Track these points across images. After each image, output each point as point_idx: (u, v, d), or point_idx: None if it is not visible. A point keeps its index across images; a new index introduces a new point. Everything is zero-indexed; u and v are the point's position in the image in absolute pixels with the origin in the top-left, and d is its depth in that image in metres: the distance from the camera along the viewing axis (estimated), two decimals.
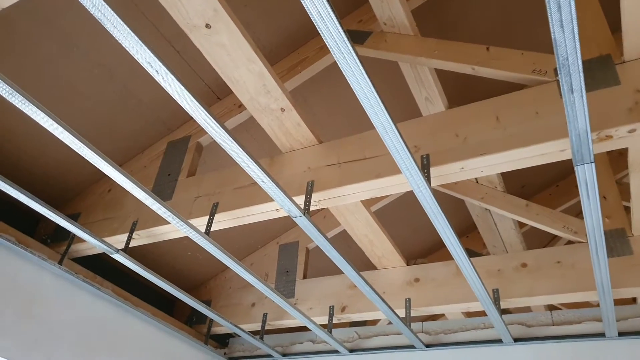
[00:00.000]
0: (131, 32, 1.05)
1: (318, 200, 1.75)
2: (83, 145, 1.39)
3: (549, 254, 2.25)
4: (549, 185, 3.55)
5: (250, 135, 2.47)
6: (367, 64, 2.38)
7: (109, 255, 2.51)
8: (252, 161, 1.39)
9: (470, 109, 1.60)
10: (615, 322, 2.10)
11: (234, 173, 1.98)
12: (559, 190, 3.53)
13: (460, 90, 2.54)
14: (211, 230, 1.87)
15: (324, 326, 2.53)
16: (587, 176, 1.29)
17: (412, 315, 2.38)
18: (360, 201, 2.15)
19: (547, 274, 2.20)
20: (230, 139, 1.32)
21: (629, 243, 2.13)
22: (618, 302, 2.18)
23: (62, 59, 1.93)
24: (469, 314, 3.24)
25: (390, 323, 3.30)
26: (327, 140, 1.86)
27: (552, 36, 0.96)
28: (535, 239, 3.67)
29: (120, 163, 2.38)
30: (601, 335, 2.24)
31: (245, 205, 1.85)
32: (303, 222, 1.64)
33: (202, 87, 2.28)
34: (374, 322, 3.58)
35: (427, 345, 2.54)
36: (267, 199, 1.81)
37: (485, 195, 2.59)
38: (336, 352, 2.76)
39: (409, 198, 3.17)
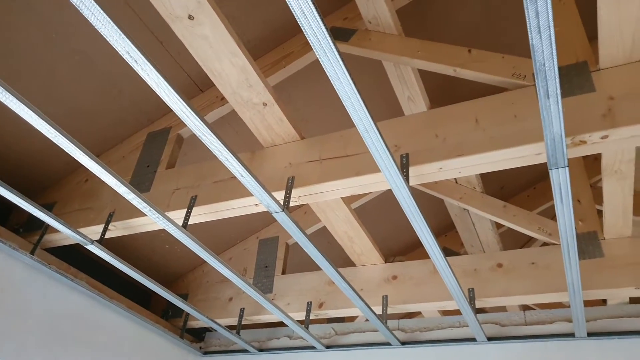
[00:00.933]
0: (110, 21, 1.04)
1: (298, 196, 1.75)
2: (58, 134, 1.36)
3: (524, 255, 2.29)
4: (527, 187, 3.60)
5: (232, 128, 2.46)
6: (354, 60, 2.39)
7: (84, 247, 2.49)
8: (231, 155, 1.38)
9: (451, 110, 1.62)
10: (585, 323, 2.15)
11: (214, 166, 1.97)
12: (537, 192, 3.59)
13: (442, 91, 2.56)
14: (189, 223, 1.85)
15: (301, 322, 2.54)
16: (560, 180, 1.32)
17: (388, 312, 2.40)
18: (341, 198, 2.16)
19: (522, 275, 2.23)
20: (209, 132, 1.31)
21: (600, 246, 2.18)
22: (588, 303, 2.22)
23: (42, 45, 1.89)
24: (445, 312, 3.28)
25: (367, 320, 3.33)
26: (311, 136, 1.86)
27: (530, 42, 0.97)
28: (511, 240, 3.73)
29: (98, 153, 2.35)
30: (571, 335, 2.29)
31: (225, 199, 1.84)
32: (282, 218, 1.64)
33: (185, 78, 2.26)
34: (351, 319, 3.59)
35: (403, 343, 2.56)
36: (247, 193, 1.80)
37: (464, 196, 2.62)
38: (313, 348, 2.77)
39: (390, 196, 3.19)
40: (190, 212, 1.85)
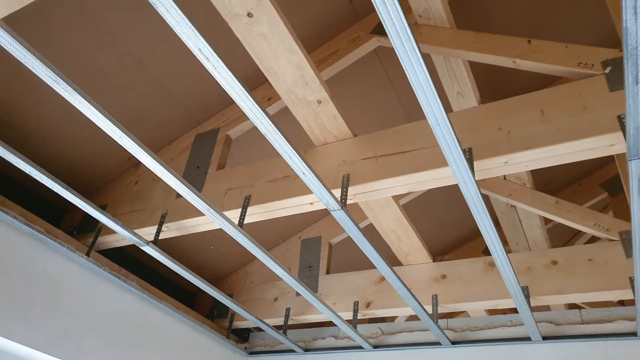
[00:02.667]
0: (184, 18, 1.03)
1: (354, 194, 1.73)
2: (123, 134, 1.37)
3: (580, 251, 2.22)
4: (571, 183, 3.51)
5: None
6: (392, 57, 2.36)
7: (132, 248, 2.52)
8: (295, 152, 1.37)
9: (513, 102, 1.57)
10: None
11: (266, 166, 1.96)
12: (582, 188, 3.49)
13: (490, 86, 2.50)
14: (244, 223, 1.85)
15: (349, 322, 2.51)
16: None
17: (438, 312, 2.36)
18: (392, 196, 2.12)
19: (578, 272, 2.16)
20: (275, 129, 1.29)
21: None
22: None
23: (94, 47, 1.91)
24: (491, 312, 3.21)
25: (408, 319, 3.28)
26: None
27: (623, 24, 0.93)
28: (556, 237, 3.63)
29: None
30: (633, 334, 2.20)
31: (278, 198, 1.83)
32: (340, 216, 1.62)
33: None
34: (391, 319, 3.56)
35: (453, 342, 2.51)
36: (300, 192, 1.79)
37: (514, 192, 2.56)
38: (360, 347, 2.74)
39: (432, 194, 3.15)
40: (245, 212, 1.85)
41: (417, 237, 2.38)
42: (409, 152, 1.65)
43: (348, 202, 1.72)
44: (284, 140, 1.33)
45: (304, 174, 1.44)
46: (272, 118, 1.28)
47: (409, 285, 2.47)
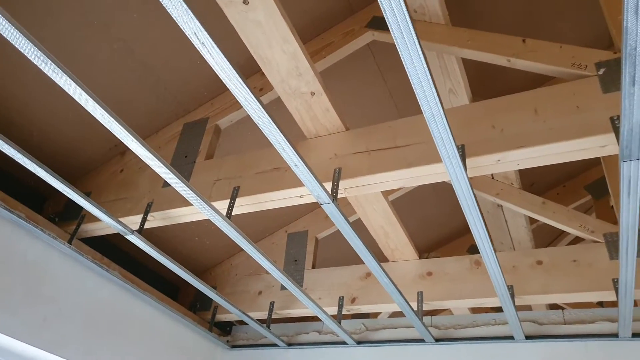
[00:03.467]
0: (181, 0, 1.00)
1: (344, 188, 1.71)
2: (112, 119, 1.34)
3: (565, 252, 2.24)
4: (556, 185, 3.55)
5: None
6: (385, 52, 2.34)
7: (114, 238, 2.47)
8: (288, 144, 1.34)
9: (507, 100, 1.57)
10: (631, 323, 2.10)
11: (255, 157, 1.93)
12: (566, 190, 3.53)
13: (481, 85, 2.51)
14: (232, 214, 1.82)
15: (333, 317, 2.50)
16: (632, 173, 1.27)
17: (423, 309, 2.36)
18: (381, 192, 2.12)
19: (563, 272, 2.18)
20: (269, 119, 1.27)
21: None
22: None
23: (82, 32, 1.86)
24: (474, 310, 3.23)
25: (391, 316, 3.29)
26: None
27: (624, 24, 0.92)
28: (540, 238, 3.67)
29: None
30: (614, 335, 2.24)
31: (267, 190, 1.81)
32: (331, 210, 1.61)
33: None
34: (374, 316, 3.56)
35: (437, 340, 2.52)
36: (290, 184, 1.77)
37: (501, 192, 2.58)
38: (343, 343, 2.73)
39: (418, 192, 3.15)
40: (233, 203, 1.82)
41: (404, 234, 2.38)
42: (402, 147, 1.64)
43: (339, 196, 1.71)
44: (278, 131, 1.30)
45: (296, 165, 1.42)
46: (266, 108, 1.26)
47: (394, 282, 2.47)
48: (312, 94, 1.68)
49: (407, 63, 1.07)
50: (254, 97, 1.21)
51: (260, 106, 1.23)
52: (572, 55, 1.56)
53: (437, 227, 3.51)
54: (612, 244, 2.17)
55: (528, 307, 3.58)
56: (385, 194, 2.17)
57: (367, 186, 1.69)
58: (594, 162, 3.35)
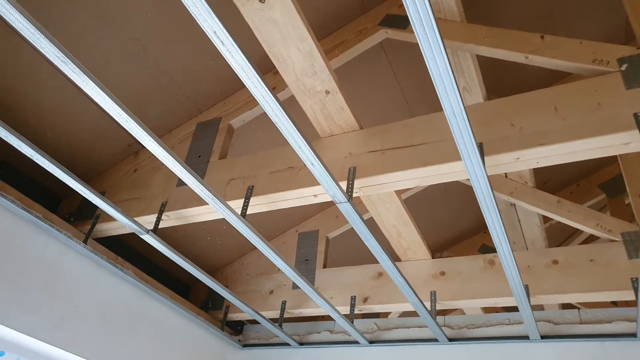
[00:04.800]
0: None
1: (359, 187, 1.70)
2: (130, 118, 1.33)
3: (581, 251, 2.21)
4: (569, 184, 3.52)
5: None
6: (397, 51, 2.33)
7: (128, 238, 2.48)
8: (305, 142, 1.33)
9: (526, 98, 1.56)
10: None
11: (269, 157, 1.93)
12: (580, 189, 3.50)
13: (494, 84, 2.49)
14: (247, 213, 1.82)
15: (346, 316, 2.49)
16: None
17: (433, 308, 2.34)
18: (394, 191, 2.10)
19: (579, 272, 2.16)
20: (286, 117, 1.26)
21: None
22: None
23: (97, 32, 1.86)
24: (487, 310, 3.21)
25: (402, 315, 3.27)
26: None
27: None
28: (553, 237, 3.64)
29: None
30: (632, 335, 2.21)
31: (282, 189, 1.80)
32: (346, 209, 1.59)
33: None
34: (385, 315, 3.55)
35: (450, 340, 2.51)
36: (305, 184, 1.77)
37: (515, 190, 2.55)
38: (356, 342, 2.72)
39: (428, 192, 3.13)
40: (248, 202, 1.82)
41: (417, 233, 2.37)
42: (418, 146, 1.63)
43: (353, 195, 1.69)
44: (294, 129, 1.29)
45: (312, 164, 1.41)
46: (283, 106, 1.25)
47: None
48: (327, 92, 1.67)
49: (429, 59, 1.06)
50: (271, 95, 1.20)
51: (277, 104, 1.22)
52: (593, 52, 1.54)
53: (447, 227, 3.49)
54: (630, 243, 2.14)
55: (540, 307, 3.56)
56: (399, 192, 2.16)
57: (381, 185, 1.68)
58: (609, 161, 3.32)
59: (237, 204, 1.84)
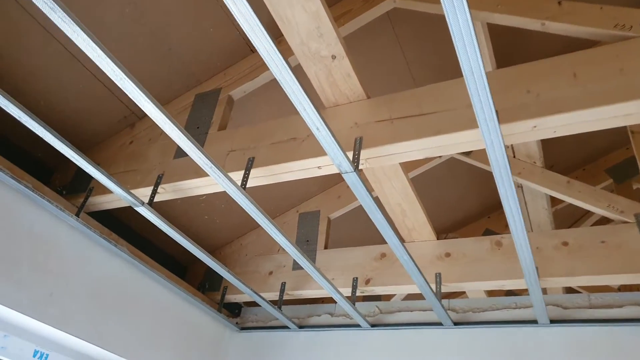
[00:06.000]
0: None
1: (365, 159, 1.62)
2: (124, 76, 1.25)
3: (592, 233, 2.14)
4: (575, 168, 3.44)
5: (280, 93, 2.32)
6: (405, 22, 2.24)
7: (122, 213, 2.40)
8: (310, 104, 1.25)
9: (542, 64, 1.47)
10: None
11: (270, 127, 1.85)
12: (586, 173, 3.42)
13: (504, 56, 2.40)
14: (247, 186, 1.74)
15: (347, 298, 2.42)
16: None
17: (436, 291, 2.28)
18: (401, 167, 2.03)
19: (590, 254, 2.09)
20: (292, 76, 1.18)
21: None
22: None
23: None
24: (491, 293, 3.15)
25: (405, 299, 3.21)
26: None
27: None
28: (559, 220, 3.57)
29: (142, 115, 2.24)
30: None
31: (283, 160, 1.72)
32: (352, 179, 1.52)
33: (236, 36, 2.13)
34: (386, 299, 3.49)
35: (456, 323, 2.44)
36: (308, 154, 1.69)
37: (523, 171, 2.48)
38: (357, 326, 2.66)
39: (433, 173, 3.05)
40: (248, 174, 1.74)
41: (423, 213, 2.29)
42: (428, 115, 1.55)
43: (360, 166, 1.62)
44: (300, 89, 1.21)
45: (317, 129, 1.33)
46: (289, 64, 1.16)
47: None
48: (333, 57, 1.58)
49: (449, 12, 0.97)
50: (277, 52, 1.11)
51: (283, 61, 1.13)
52: (614, 16, 1.46)
53: (450, 210, 3.42)
54: None
55: (543, 291, 3.50)
56: (405, 169, 2.08)
57: (389, 156, 1.60)
58: (616, 145, 3.25)
59: (237, 176, 1.76)
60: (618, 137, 3.20)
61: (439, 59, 2.37)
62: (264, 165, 1.75)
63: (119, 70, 1.23)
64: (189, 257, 2.92)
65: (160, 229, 2.03)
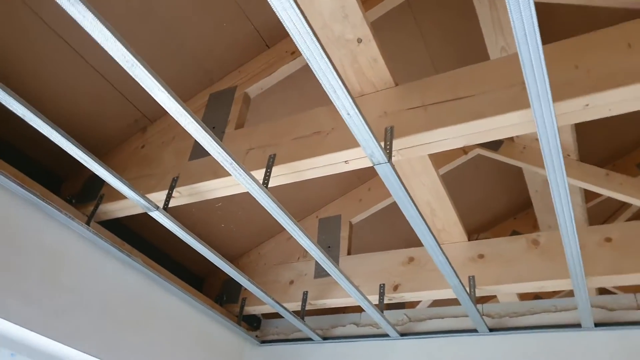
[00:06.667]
0: None
1: (398, 150, 1.50)
2: (136, 62, 1.14)
3: (638, 227, 1.99)
4: (605, 164, 3.28)
5: (298, 88, 2.21)
6: (427, 11, 2.13)
7: (134, 223, 2.29)
8: (342, 85, 1.13)
9: (590, 37, 1.34)
10: None
11: (292, 122, 1.73)
12: (616, 169, 3.26)
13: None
14: (269, 185, 1.62)
15: (375, 306, 2.28)
16: None
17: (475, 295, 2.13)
18: (431, 162, 1.90)
19: (637, 251, 1.93)
20: (322, 52, 1.06)
21: None
22: None
23: None
24: (522, 297, 2.99)
25: (430, 306, 3.05)
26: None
27: None
28: (593, 218, 3.39)
29: (154, 118, 2.14)
30: None
31: (307, 156, 1.60)
32: (385, 171, 1.39)
33: (251, 31, 2.02)
34: (411, 305, 3.33)
35: (491, 329, 2.28)
36: (333, 148, 1.57)
37: None
38: (385, 335, 2.50)
39: (459, 172, 2.91)
40: (270, 172, 1.61)
41: (454, 212, 2.15)
42: (466, 98, 1.42)
43: (393, 159, 1.49)
44: (331, 68, 1.09)
45: (348, 114, 1.21)
46: (318, 39, 1.04)
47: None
48: (359, 41, 1.47)
49: None
50: (305, 24, 1.00)
51: (311, 34, 1.01)
52: None
53: (477, 210, 3.27)
54: None
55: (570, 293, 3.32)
56: (436, 165, 1.94)
57: (425, 146, 1.47)
58: None
59: (258, 175, 1.64)
60: None
61: (461, 48, 2.25)
62: (286, 162, 1.63)
63: (130, 55, 1.12)
64: (205, 269, 2.80)
65: (175, 239, 1.91)
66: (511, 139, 2.55)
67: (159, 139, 2.03)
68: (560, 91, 1.28)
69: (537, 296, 3.84)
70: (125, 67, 1.16)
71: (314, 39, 1.03)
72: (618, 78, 1.24)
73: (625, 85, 1.22)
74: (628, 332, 2.06)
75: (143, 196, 1.68)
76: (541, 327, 2.21)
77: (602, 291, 3.37)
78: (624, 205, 3.22)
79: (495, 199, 3.25)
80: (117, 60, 1.15)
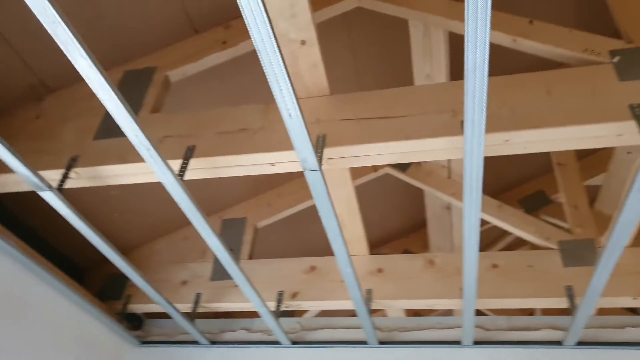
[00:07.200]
0: None
1: (328, 159, 1.48)
2: (59, 19, 0.99)
3: (521, 257, 2.19)
4: (493, 197, 3.59)
5: (222, 82, 2.12)
6: (363, 25, 2.16)
7: (11, 203, 2.02)
8: (289, 84, 1.09)
9: (516, 79, 1.45)
10: (580, 331, 2.08)
11: (217, 115, 1.64)
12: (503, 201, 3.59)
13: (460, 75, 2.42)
14: (184, 178, 1.51)
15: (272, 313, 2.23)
16: None
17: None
18: (350, 175, 1.92)
19: (519, 277, 2.13)
20: (276, 47, 1.01)
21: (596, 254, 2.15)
22: None
23: None
24: (409, 313, 3.14)
25: (319, 315, 3.08)
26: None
27: None
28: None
29: (56, 87, 1.91)
30: (558, 343, 2.21)
31: (231, 153, 1.53)
32: (314, 178, 1.36)
33: (178, 11, 1.89)
34: (300, 315, 3.33)
35: (381, 342, 2.35)
36: (260, 148, 1.51)
37: (457, 192, 2.49)
38: (276, 343, 2.46)
39: (368, 188, 2.99)
40: (187, 164, 1.51)
41: (361, 226, 2.19)
42: (398, 118, 1.45)
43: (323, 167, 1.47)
44: (281, 65, 1.04)
45: (290, 115, 1.17)
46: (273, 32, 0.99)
47: (341, 277, 2.27)
48: (303, 42, 1.43)
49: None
50: (263, 11, 0.94)
51: (267, 23, 0.96)
52: (583, 41, 1.48)
53: (377, 226, 3.38)
54: (567, 251, 2.16)
55: (450, 312, 3.57)
56: (353, 178, 1.97)
57: (353, 158, 1.48)
58: (529, 176, 3.44)
59: (173, 166, 1.52)
60: (530, 170, 3.40)
61: (388, 69, 2.32)
62: (206, 155, 1.54)
63: (52, 9, 0.97)
64: (88, 259, 2.54)
65: (57, 223, 1.71)
66: (418, 163, 2.68)
67: (59, 112, 1.81)
68: (487, 123, 1.36)
69: (417, 313, 4.07)
70: (44, 24, 1.01)
71: (270, 31, 0.98)
72: (536, 120, 1.34)
73: (544, 127, 1.33)
74: (500, 350, 2.25)
75: (35, 172, 1.47)
76: (426, 342, 2.33)
77: (477, 313, 3.66)
78: (505, 234, 3.54)
79: (393, 217, 3.40)
80: (36, 14, 0.99)
